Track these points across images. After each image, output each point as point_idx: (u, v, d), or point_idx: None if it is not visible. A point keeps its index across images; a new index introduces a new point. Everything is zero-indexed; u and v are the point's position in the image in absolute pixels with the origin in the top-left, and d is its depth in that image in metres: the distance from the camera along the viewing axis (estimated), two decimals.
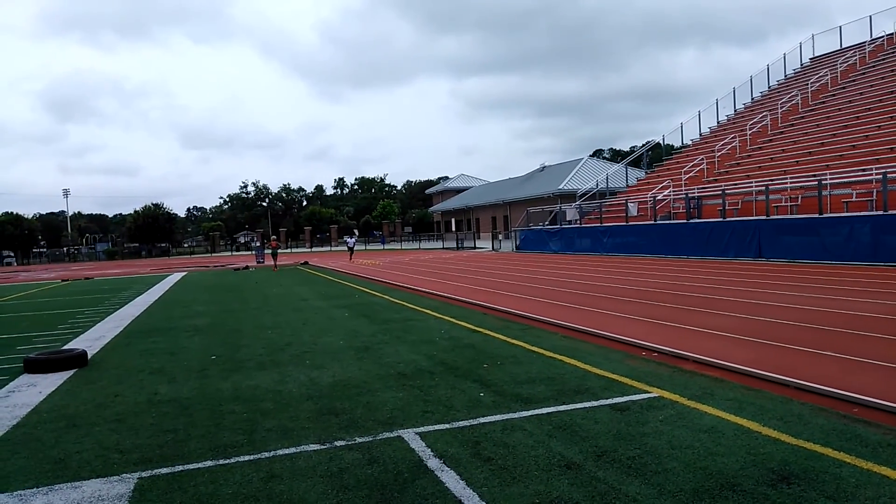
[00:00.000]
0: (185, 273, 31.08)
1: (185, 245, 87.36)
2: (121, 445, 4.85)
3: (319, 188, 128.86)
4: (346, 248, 38.86)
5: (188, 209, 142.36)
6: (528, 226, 38.62)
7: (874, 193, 18.52)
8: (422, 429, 4.86)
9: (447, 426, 4.91)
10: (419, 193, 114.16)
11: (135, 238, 76.20)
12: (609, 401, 5.39)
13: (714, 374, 6.17)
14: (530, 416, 5.08)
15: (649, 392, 5.58)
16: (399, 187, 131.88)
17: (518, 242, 38.19)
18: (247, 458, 4.44)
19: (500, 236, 49.01)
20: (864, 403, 4.91)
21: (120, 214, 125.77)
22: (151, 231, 74.83)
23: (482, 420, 5.03)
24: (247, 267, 33.15)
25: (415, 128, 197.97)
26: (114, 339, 10.41)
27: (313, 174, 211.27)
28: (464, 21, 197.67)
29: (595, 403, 5.34)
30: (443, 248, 49.97)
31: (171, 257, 66.98)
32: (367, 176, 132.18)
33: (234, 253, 69.62)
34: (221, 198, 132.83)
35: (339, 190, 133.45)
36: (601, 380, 6.12)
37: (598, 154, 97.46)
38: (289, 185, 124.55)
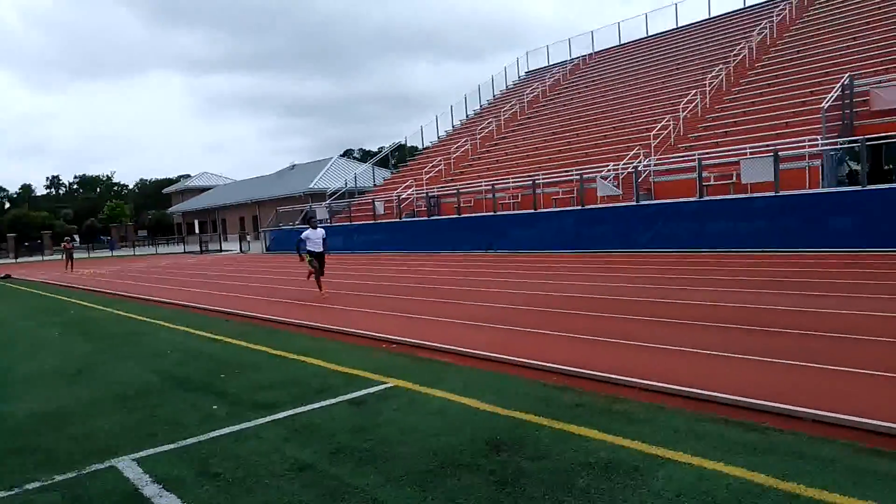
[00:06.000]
0: None
1: None
2: None
3: (27, 188, 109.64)
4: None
5: None
6: (278, 226, 37.59)
7: (575, 191, 21.80)
8: (141, 454, 4.38)
9: (172, 446, 4.50)
10: (156, 193, 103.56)
11: None
12: (348, 396, 5.46)
13: (447, 359, 6.65)
14: (267, 422, 4.91)
15: (386, 382, 5.79)
16: (131, 186, 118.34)
17: (268, 243, 36.97)
18: None
19: (249, 237, 46.92)
20: (561, 372, 5.72)
21: None
22: None
23: (214, 434, 4.72)
24: None
25: (149, 124, 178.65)
26: None
27: (23, 174, 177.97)
28: (195, 16, 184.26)
29: (334, 401, 5.37)
30: (184, 252, 46.13)
31: None
32: (90, 174, 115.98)
33: None
34: None
35: (53, 190, 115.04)
36: (343, 376, 6.19)
37: (348, 154, 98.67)
38: None
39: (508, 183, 25.48)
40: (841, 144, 17.44)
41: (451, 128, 41.30)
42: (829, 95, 18.61)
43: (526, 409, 4.77)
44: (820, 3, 30.62)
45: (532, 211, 22.03)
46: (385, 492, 3.52)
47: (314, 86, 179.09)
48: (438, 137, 40.64)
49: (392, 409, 4.99)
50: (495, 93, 43.41)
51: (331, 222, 33.43)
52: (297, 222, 36.20)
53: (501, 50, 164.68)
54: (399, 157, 43.34)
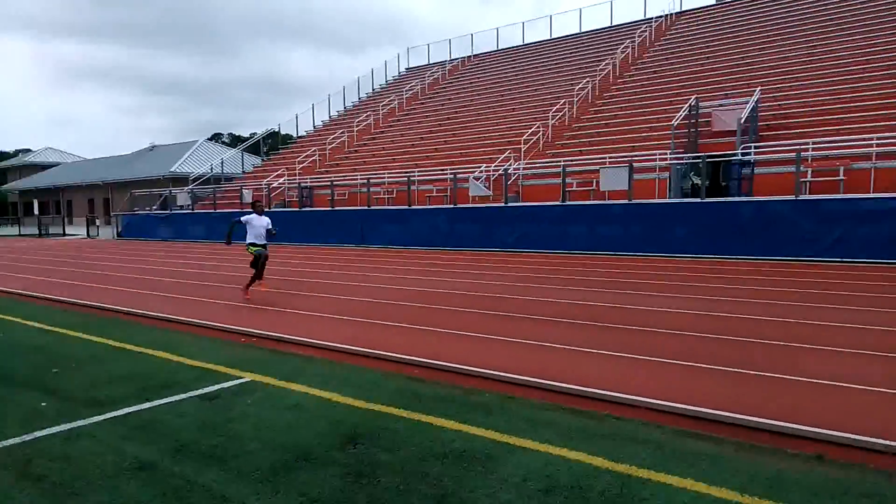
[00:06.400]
0: None
1: None
2: None
3: None
4: None
5: None
6: (132, 210, 34.83)
7: (448, 190, 22.21)
8: None
9: None
10: None
11: None
12: (199, 391, 5.17)
13: (309, 353, 6.49)
14: (104, 420, 4.52)
15: (242, 377, 5.55)
16: None
17: (120, 229, 34.15)
18: None
19: (99, 222, 43.01)
20: (421, 364, 5.79)
21: None
22: None
23: (39, 434, 4.27)
24: None
25: None
26: None
27: None
28: None
29: (183, 396, 5.05)
30: (20, 235, 41.41)
31: None
32: None
33: None
34: None
35: None
36: (194, 371, 5.84)
37: (216, 138, 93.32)
38: None
39: (384, 178, 25.42)
40: (686, 160, 19.21)
41: (328, 118, 40.45)
42: (678, 115, 20.42)
43: (384, 402, 4.78)
44: (675, 30, 33.53)
45: (406, 207, 22.14)
46: (233, 488, 3.37)
47: (182, 64, 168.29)
48: (314, 127, 39.65)
49: (246, 404, 4.79)
50: (375, 87, 43.12)
51: (193, 209, 31.52)
52: (154, 207, 33.74)
53: (383, 44, 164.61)
54: (272, 144, 41.78)
